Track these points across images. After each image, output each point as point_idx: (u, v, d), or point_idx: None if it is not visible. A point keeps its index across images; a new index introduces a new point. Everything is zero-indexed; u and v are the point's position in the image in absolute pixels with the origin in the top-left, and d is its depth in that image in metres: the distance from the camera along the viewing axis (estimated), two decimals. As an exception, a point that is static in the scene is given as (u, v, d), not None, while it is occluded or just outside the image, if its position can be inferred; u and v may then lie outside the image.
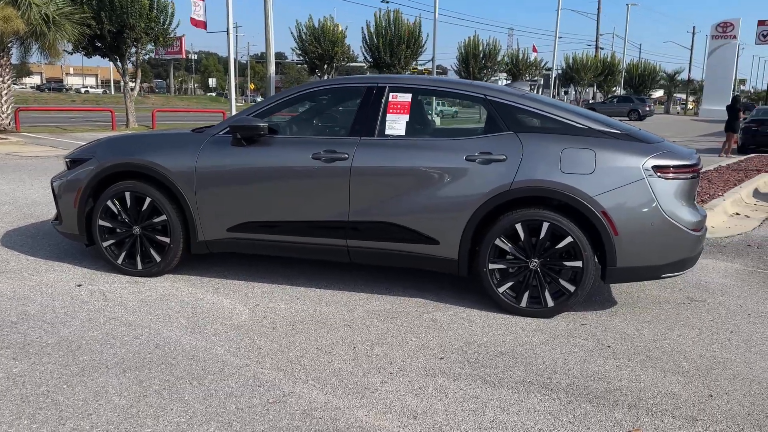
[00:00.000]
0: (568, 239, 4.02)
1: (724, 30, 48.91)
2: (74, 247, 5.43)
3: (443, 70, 52.59)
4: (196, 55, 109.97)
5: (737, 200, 8.56)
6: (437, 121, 4.62)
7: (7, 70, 16.23)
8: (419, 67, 33.59)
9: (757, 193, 9.69)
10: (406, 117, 4.36)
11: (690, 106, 72.71)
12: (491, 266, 4.17)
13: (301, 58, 26.90)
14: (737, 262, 5.77)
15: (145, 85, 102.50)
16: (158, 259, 4.70)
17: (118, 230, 4.76)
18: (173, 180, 4.54)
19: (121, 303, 4.20)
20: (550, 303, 4.12)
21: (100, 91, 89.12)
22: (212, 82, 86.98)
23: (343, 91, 4.82)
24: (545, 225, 4.04)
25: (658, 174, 3.95)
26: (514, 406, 3.02)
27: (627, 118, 42.10)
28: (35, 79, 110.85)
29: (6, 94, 16.29)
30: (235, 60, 26.88)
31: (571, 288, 4.08)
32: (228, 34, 23.21)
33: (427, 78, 4.93)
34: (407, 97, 4.40)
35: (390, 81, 4.51)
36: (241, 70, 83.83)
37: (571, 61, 48.38)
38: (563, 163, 4.02)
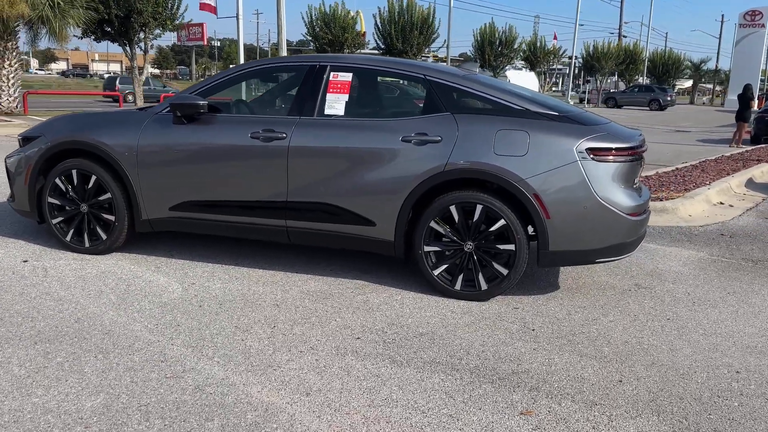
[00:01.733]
0: (501, 222, 3.96)
1: (753, 18, 47.71)
2: (32, 225, 5.49)
3: (466, 58, 52.11)
4: (219, 42, 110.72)
5: (725, 189, 8.37)
6: (380, 100, 4.54)
7: (14, 54, 16.45)
8: (430, 55, 33.28)
9: (751, 183, 9.46)
10: (346, 97, 4.31)
11: (716, 97, 71.26)
12: (426, 248, 4.13)
13: (312, 44, 26.88)
14: (703, 251, 5.64)
15: (168, 71, 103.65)
16: (104, 237, 4.73)
17: (66, 207, 4.80)
18: (116, 158, 4.56)
19: (59, 279, 4.24)
20: (484, 286, 4.07)
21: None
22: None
23: (286, 70, 4.78)
24: (479, 207, 3.98)
25: (592, 156, 3.87)
26: (413, 385, 2.99)
27: (647, 108, 41.43)
28: (61, 65, 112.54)
29: (13, 78, 16.53)
30: (245, 45, 26.86)
31: (505, 271, 4.03)
32: (238, 19, 23.24)
33: (368, 57, 4.87)
34: (348, 77, 4.36)
35: (331, 60, 4.47)
36: (262, 57, 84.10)
37: (591, 49, 47.59)
38: (497, 145, 3.95)
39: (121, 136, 4.58)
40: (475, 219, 4.02)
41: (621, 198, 3.93)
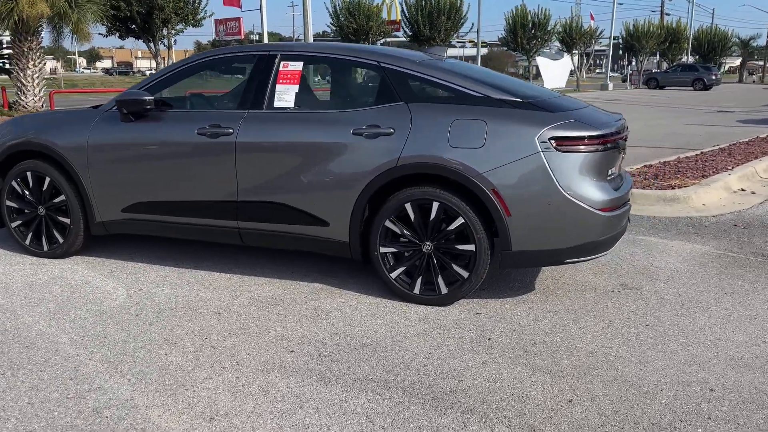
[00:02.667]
0: (460, 220, 3.62)
1: (804, -10, 45.24)
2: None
3: (503, 42, 50.92)
4: (258, 36, 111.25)
5: (748, 174, 7.77)
6: (333, 90, 4.24)
7: (38, 54, 16.66)
8: (465, 40, 32.61)
9: (782, 167, 8.78)
10: (296, 87, 4.02)
11: (766, 74, 68.09)
12: (383, 249, 3.82)
13: (336, 33, 26.60)
14: (709, 245, 5.16)
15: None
16: (61, 240, 4.57)
17: (25, 210, 4.66)
18: (68, 159, 4.38)
19: (5, 285, 4.09)
20: (444, 290, 3.74)
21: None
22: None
23: (236, 61, 4.51)
24: (435, 205, 3.65)
25: (556, 146, 3.48)
26: (334, 407, 2.70)
27: (691, 88, 39.83)
28: (106, 63, 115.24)
29: (37, 77, 16.76)
30: (280, 38, 26.77)
31: (465, 274, 3.69)
32: (261, 11, 23.18)
33: (320, 44, 4.55)
34: (298, 66, 4.06)
35: (281, 48, 4.18)
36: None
37: (631, 28, 45.93)
38: (452, 137, 3.60)
39: (71, 136, 4.39)
40: (432, 217, 3.68)
41: (591, 192, 3.53)
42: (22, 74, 16.21)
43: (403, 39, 28.93)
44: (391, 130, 3.70)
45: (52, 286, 4.10)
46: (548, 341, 3.34)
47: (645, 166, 8.20)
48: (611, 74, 44.26)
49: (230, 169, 4.01)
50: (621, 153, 3.90)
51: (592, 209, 3.52)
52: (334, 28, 26.53)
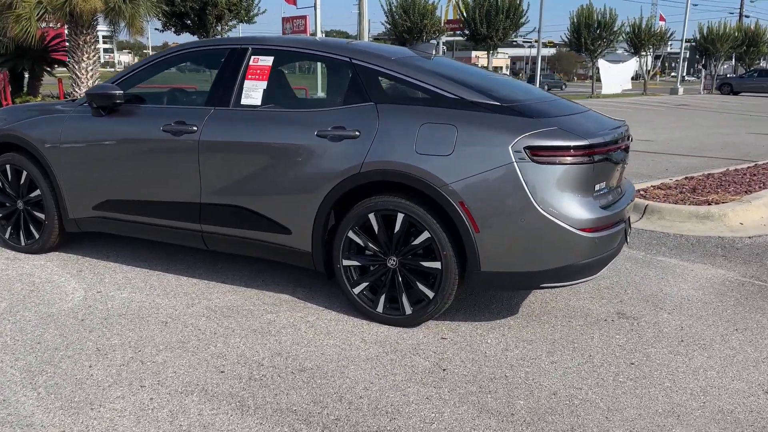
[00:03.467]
0: (425, 235, 3.28)
1: None
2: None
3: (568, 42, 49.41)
4: (324, 34, 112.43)
5: (802, 191, 7.02)
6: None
7: (92, 47, 17.05)
8: (532, 40, 31.74)
9: None
10: (264, 84, 3.76)
11: None
12: (345, 262, 3.52)
13: (390, 32, 26.32)
14: (735, 270, 4.61)
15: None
16: (37, 236, 4.46)
17: (6, 204, 4.58)
18: (42, 153, 4.26)
19: (-32, 281, 4.00)
20: (408, 310, 3.40)
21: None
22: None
23: (208, 55, 4.27)
24: (400, 216, 3.32)
25: (532, 157, 3.09)
26: (240, 442, 2.42)
27: (766, 95, 37.56)
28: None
29: (92, 70, 17.16)
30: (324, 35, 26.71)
31: (430, 294, 3.34)
32: (315, 9, 23.19)
33: (291, 38, 4.26)
34: (268, 61, 3.80)
35: (253, 42, 3.92)
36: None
37: (705, 30, 43.71)
38: (419, 142, 3.26)
39: (45, 129, 4.28)
40: (396, 230, 3.35)
41: (571, 209, 3.12)
42: (77, 66, 16.65)
43: (457, 38, 28.34)
44: (357, 133, 3.39)
45: (15, 284, 3.98)
46: (510, 376, 2.96)
47: (686, 177, 7.57)
48: (688, 78, 42.07)
49: (194, 169, 3.79)
50: (617, 165, 3.46)
51: (571, 229, 3.11)
52: (388, 26, 26.28)
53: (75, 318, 3.49)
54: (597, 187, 3.26)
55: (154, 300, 3.77)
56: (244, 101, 3.75)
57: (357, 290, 3.51)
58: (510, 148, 3.09)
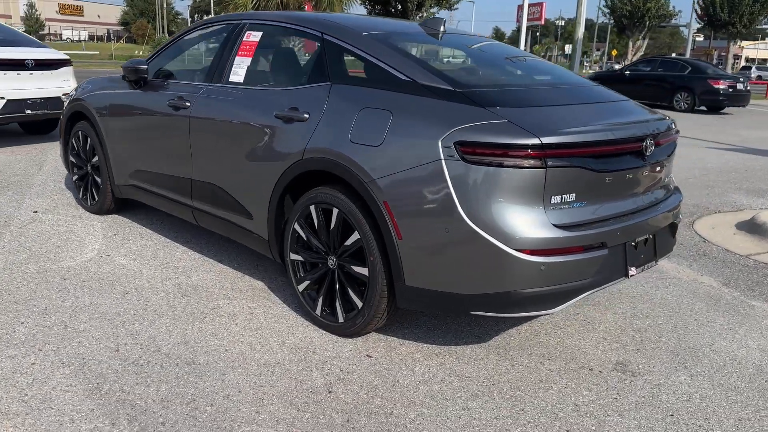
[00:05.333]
0: (356, 236, 2.88)
1: None
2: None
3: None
4: (563, 22, 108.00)
5: None
6: (279, 64, 3.60)
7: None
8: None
9: None
10: (249, 60, 3.59)
11: None
12: (293, 256, 3.24)
13: (608, 16, 24.21)
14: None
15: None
16: (96, 198, 4.85)
17: (81, 167, 5.03)
18: (98, 121, 4.59)
19: (38, 232, 4.46)
20: (341, 318, 3.03)
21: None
22: (568, 48, 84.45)
23: (217, 30, 4.15)
24: (335, 212, 2.95)
25: (463, 155, 2.51)
26: (63, 425, 2.33)
27: None
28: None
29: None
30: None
31: (359, 303, 2.93)
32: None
33: (278, 14, 3.92)
34: (257, 37, 3.62)
35: (250, 18, 3.76)
36: (600, 35, 79.80)
37: None
38: (355, 129, 2.85)
39: (101, 101, 4.60)
40: (332, 227, 2.99)
41: (507, 224, 2.48)
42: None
43: (686, 25, 25.14)
44: (306, 116, 3.08)
45: (51, 238, 4.35)
46: (396, 414, 2.46)
47: None
48: None
49: (186, 143, 3.78)
50: (623, 173, 2.70)
51: (505, 248, 2.48)
52: (606, 10, 24.25)
53: (61, 276, 3.70)
54: (555, 200, 2.54)
55: (142, 270, 3.85)
56: (231, 78, 3.63)
57: (301, 287, 3.21)
58: (440, 142, 2.55)
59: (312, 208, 3.05)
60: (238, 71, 3.60)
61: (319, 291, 3.13)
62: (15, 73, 7.08)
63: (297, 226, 3.15)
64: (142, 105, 4.18)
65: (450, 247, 2.56)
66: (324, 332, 3.11)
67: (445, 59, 3.62)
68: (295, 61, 3.56)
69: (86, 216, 4.90)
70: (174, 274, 3.80)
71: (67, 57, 7.85)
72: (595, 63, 73.89)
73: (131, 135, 4.30)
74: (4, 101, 6.97)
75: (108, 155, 4.55)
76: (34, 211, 4.97)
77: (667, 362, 2.97)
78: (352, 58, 3.14)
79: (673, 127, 3.20)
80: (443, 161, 2.53)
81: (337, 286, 3.02)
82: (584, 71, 43.47)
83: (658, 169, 2.96)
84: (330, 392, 2.61)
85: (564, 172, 2.52)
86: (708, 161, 8.80)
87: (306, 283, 3.18)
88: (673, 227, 3.16)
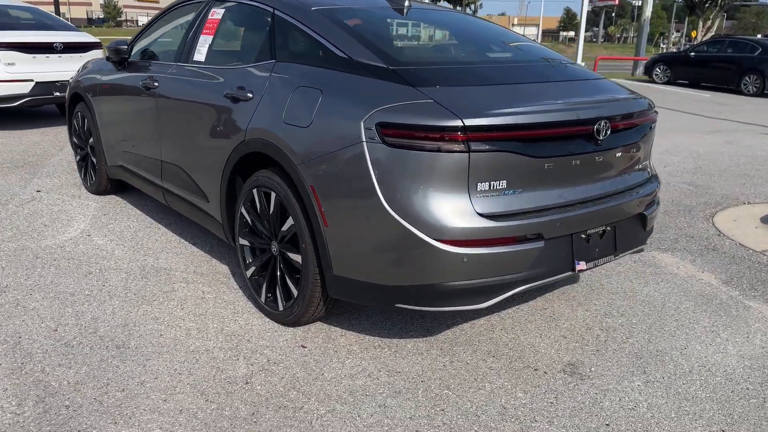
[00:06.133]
0: (290, 222, 2.76)
1: None
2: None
3: None
4: (639, 2, 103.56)
5: None
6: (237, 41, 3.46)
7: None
8: None
9: None
10: (210, 39, 3.51)
11: None
12: (241, 241, 3.16)
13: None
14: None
15: (588, 33, 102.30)
16: (94, 178, 4.92)
17: (81, 147, 5.11)
18: (91, 103, 4.64)
19: (34, 211, 4.57)
20: (281, 306, 2.94)
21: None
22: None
23: (190, 8, 4.03)
24: (273, 196, 2.85)
25: (383, 137, 2.34)
26: (-39, 404, 2.35)
27: None
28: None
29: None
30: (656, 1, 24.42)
31: (295, 291, 2.82)
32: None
33: None
34: (219, 14, 3.53)
35: (219, -7, 3.66)
36: (680, 15, 76.12)
37: None
38: (289, 109, 2.73)
39: (92, 82, 4.64)
40: (271, 211, 2.89)
41: (427, 212, 2.31)
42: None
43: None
44: (250, 95, 2.97)
45: (42, 217, 4.43)
46: (304, 409, 2.35)
47: None
48: None
49: (155, 123, 3.76)
50: (569, 159, 2.48)
51: (425, 238, 2.31)
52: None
53: (35, 255, 3.76)
54: (483, 187, 2.34)
55: (114, 251, 3.87)
56: (195, 57, 3.57)
57: (249, 273, 3.13)
58: (362, 123, 2.39)
59: (255, 191, 2.95)
60: (201, 50, 3.52)
61: (264, 277, 3.04)
62: (44, 56, 7.29)
63: (243, 210, 3.06)
64: (123, 85, 4.19)
65: (372, 235, 2.41)
66: (268, 320, 3.03)
67: (402, 35, 3.42)
68: (249, 39, 3.44)
69: (85, 196, 4.97)
70: (143, 256, 3.79)
71: (98, 41, 8.02)
72: (673, 45, 70.60)
73: (116, 116, 4.32)
74: (33, 83, 7.19)
75: (100, 136, 4.59)
76: (37, 191, 5.09)
77: (626, 366, 2.72)
78: (298, 34, 3.00)
79: (649, 107, 2.91)
80: (365, 144, 2.37)
81: (278, 273, 2.92)
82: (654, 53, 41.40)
83: (619, 154, 2.70)
84: (247, 383, 2.51)
85: (492, 157, 2.32)
86: (759, 149, 8.18)
87: (252, 269, 3.09)
88: (643, 218, 2.88)
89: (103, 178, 4.82)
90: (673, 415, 2.39)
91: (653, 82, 19.24)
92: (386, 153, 2.33)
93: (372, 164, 2.35)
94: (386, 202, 2.34)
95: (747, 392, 2.56)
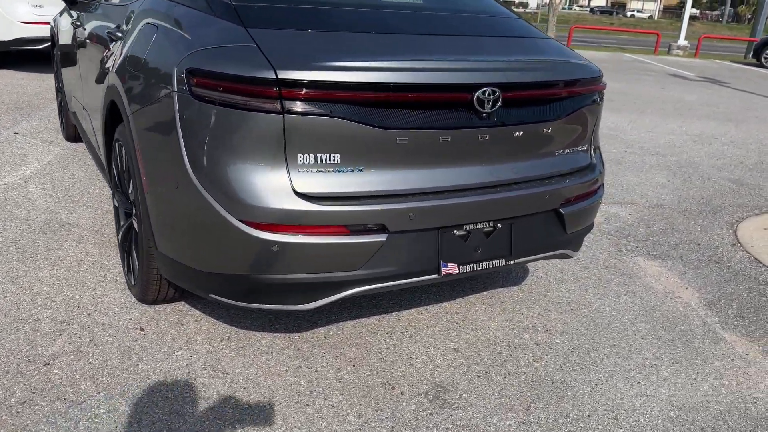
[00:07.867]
0: (132, 183, 2.38)
1: None
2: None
3: None
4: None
5: None
6: None
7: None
8: None
9: None
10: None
11: None
12: (115, 201, 2.83)
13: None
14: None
15: (715, 13, 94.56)
16: (65, 124, 4.76)
17: (59, 91, 4.95)
18: (56, 44, 4.45)
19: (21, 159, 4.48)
20: (133, 279, 2.58)
21: (645, 15, 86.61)
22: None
23: None
24: (124, 152, 2.47)
25: (192, 88, 1.89)
26: None
27: None
28: (598, 2, 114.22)
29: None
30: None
31: (138, 264, 2.46)
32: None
33: None
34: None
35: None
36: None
37: None
38: (130, 50, 2.35)
39: (57, 18, 4.43)
40: (124, 170, 2.52)
41: (234, 185, 1.86)
42: None
43: None
44: (120, 35, 2.59)
45: (15, 158, 4.29)
46: (84, 405, 1.99)
47: None
48: None
49: (79, 66, 3.47)
50: (438, 132, 1.95)
51: (226, 216, 1.86)
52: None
53: (-47, 198, 3.60)
54: (306, 160, 1.85)
55: (36, 201, 3.65)
56: (111, -7, 3.22)
57: (120, 237, 2.78)
58: (175, 69, 1.95)
59: (115, 145, 2.58)
60: (114, -14, 3.17)
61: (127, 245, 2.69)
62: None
63: (114, 168, 2.71)
64: (64, 26, 3.94)
65: (180, 208, 2.00)
66: (128, 294, 2.68)
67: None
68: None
69: (57, 143, 4.82)
70: (61, 209, 3.55)
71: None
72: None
73: (64, 59, 4.09)
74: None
75: (62, 80, 4.39)
76: (15, 133, 4.99)
77: (508, 398, 2.17)
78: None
79: (591, 77, 2.29)
80: (175, 94, 1.93)
81: (133, 242, 2.56)
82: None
83: (520, 133, 2.11)
84: (47, 365, 2.19)
85: (318, 122, 1.82)
86: None
87: (121, 233, 2.74)
88: (559, 216, 2.28)
89: (70, 124, 4.63)
90: (528, 475, 1.84)
91: (762, 66, 17.28)
92: (194, 108, 1.88)
93: (180, 120, 1.92)
94: (191, 168, 1.90)
95: (648, 455, 1.96)
